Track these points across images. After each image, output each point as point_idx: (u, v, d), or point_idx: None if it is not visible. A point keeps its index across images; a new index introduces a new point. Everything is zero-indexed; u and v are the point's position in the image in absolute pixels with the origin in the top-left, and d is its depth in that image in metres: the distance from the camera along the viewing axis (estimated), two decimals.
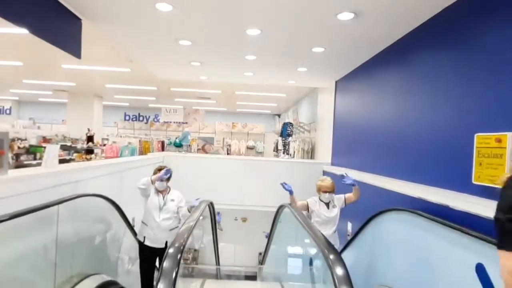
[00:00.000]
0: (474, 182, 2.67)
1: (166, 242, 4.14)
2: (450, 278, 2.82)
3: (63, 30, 3.81)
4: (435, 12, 3.51)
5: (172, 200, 4.26)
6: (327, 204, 4.21)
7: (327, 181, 4.24)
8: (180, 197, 4.37)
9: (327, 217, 4.13)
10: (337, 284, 1.78)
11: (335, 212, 4.18)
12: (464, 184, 2.81)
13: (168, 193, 4.34)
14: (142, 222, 4.29)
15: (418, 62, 3.94)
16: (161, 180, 4.28)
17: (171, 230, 4.25)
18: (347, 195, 4.30)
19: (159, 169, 4.38)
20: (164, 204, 4.21)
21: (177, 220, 4.28)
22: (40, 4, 3.40)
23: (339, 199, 4.28)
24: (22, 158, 7.78)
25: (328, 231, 4.03)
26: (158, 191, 4.28)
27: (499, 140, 2.44)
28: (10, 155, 6.91)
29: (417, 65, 3.97)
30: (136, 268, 4.44)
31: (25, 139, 9.21)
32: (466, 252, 2.67)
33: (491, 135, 2.51)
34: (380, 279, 3.59)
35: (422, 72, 3.84)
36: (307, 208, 4.25)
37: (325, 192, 4.19)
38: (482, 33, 2.89)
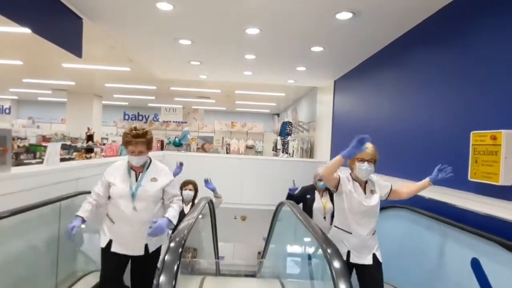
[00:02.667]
0: (470, 179, 2.71)
1: (147, 246, 2.76)
2: (447, 273, 2.87)
3: (64, 29, 3.84)
4: (432, 12, 3.56)
5: (154, 179, 2.79)
6: (364, 187, 2.88)
7: (369, 147, 2.83)
8: (167, 174, 2.89)
9: (363, 205, 2.78)
10: (335, 277, 1.81)
11: (374, 200, 2.83)
12: (460, 181, 2.85)
13: (146, 169, 2.81)
14: (107, 215, 2.81)
15: (416, 61, 3.99)
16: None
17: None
18: (397, 188, 3.00)
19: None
20: (139, 186, 2.73)
21: (162, 209, 2.85)
22: (42, 3, 3.44)
23: (383, 186, 2.96)
24: (22, 157, 7.80)
25: (362, 229, 2.78)
26: (131, 168, 2.82)
27: (494, 138, 2.48)
28: (10, 153, 6.92)
29: (414, 64, 4.01)
30: None
31: (25, 138, 9.24)
32: (462, 248, 2.72)
33: (486, 133, 2.55)
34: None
35: (419, 71, 3.89)
36: (337, 183, 2.84)
37: (362, 161, 2.81)
38: (478, 32, 2.93)
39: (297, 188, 4.45)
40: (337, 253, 1.99)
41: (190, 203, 4.45)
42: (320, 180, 4.22)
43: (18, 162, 7.39)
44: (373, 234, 2.85)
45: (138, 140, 2.69)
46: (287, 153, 10.80)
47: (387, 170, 4.48)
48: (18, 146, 8.05)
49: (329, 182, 2.84)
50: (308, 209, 4.23)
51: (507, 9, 2.62)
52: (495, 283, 2.36)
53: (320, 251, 2.40)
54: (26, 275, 2.88)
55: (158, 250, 2.89)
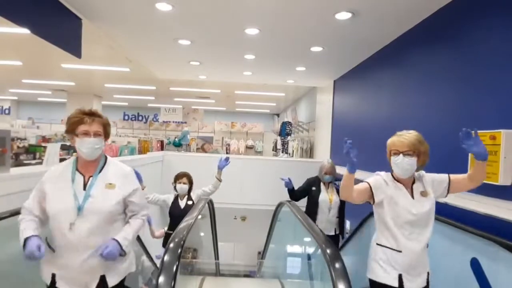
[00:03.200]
0: None
1: (104, 279, 1.99)
2: (447, 272, 2.86)
3: (63, 30, 3.84)
4: (431, 11, 3.56)
5: (111, 186, 2.02)
6: (411, 188, 2.24)
7: (406, 136, 2.24)
8: (130, 180, 2.12)
9: (411, 214, 2.16)
10: (334, 278, 1.81)
11: (427, 204, 2.19)
12: None
13: (99, 171, 2.06)
14: (46, 241, 2.02)
15: (415, 61, 3.99)
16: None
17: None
18: (456, 176, 2.28)
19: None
20: (88, 196, 1.96)
21: (122, 224, 2.10)
22: (41, 3, 3.44)
23: (437, 182, 2.28)
24: (21, 157, 7.77)
25: (414, 244, 2.16)
26: (76, 170, 2.04)
27: (493, 138, 2.48)
28: (9, 154, 6.92)
29: (413, 64, 4.01)
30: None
31: (25, 139, 9.21)
32: (462, 247, 2.72)
33: (485, 133, 2.55)
34: None
35: (418, 71, 3.88)
36: (370, 194, 2.25)
37: (396, 153, 2.21)
38: (477, 32, 2.93)
39: (290, 181, 4.33)
40: (337, 254, 1.99)
41: (186, 196, 4.39)
42: (326, 173, 4.24)
43: (18, 163, 7.37)
44: (427, 247, 2.23)
45: (93, 118, 2.04)
46: (287, 153, 10.79)
47: (387, 170, 4.47)
48: (18, 147, 8.00)
49: (358, 199, 2.25)
50: (313, 202, 4.22)
51: (506, 9, 2.61)
52: (495, 283, 2.36)
53: (319, 251, 2.40)
54: (25, 276, 2.87)
55: (122, 283, 2.11)
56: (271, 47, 5.20)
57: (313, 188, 4.29)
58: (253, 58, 5.84)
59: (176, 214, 4.15)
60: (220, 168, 4.56)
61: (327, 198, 4.21)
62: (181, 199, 4.35)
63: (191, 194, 4.42)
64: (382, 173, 2.35)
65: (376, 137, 4.98)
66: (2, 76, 9.98)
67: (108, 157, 2.15)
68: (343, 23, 4.00)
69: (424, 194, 2.22)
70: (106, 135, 2.09)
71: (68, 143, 10.30)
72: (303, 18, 3.99)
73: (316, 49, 5.13)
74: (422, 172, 2.31)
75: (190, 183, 4.46)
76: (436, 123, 3.45)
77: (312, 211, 4.20)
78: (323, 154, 7.70)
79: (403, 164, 2.17)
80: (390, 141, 2.31)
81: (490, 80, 2.74)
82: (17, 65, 7.78)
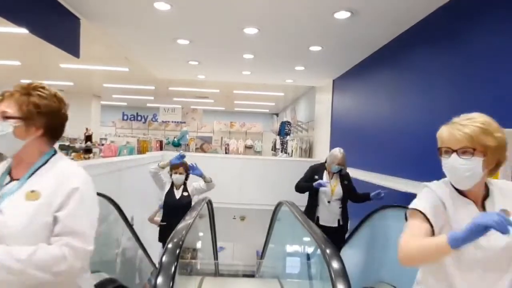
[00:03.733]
0: None
1: None
2: None
3: (62, 30, 3.84)
4: (429, 11, 3.56)
5: (32, 195, 1.25)
6: (481, 204, 1.40)
7: (463, 123, 1.44)
8: (66, 185, 1.28)
9: (482, 248, 1.28)
10: (333, 277, 1.81)
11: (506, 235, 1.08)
12: None
13: (31, 174, 1.32)
14: None
15: (414, 60, 3.99)
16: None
17: None
18: None
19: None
20: None
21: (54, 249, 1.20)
22: (39, 3, 3.43)
23: None
24: None
25: None
26: (9, 171, 1.37)
27: None
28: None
29: (412, 63, 4.01)
30: (134, 264, 4.46)
31: None
32: None
33: None
34: (378, 275, 3.62)
35: (417, 70, 3.88)
36: (428, 227, 1.33)
37: (448, 152, 1.40)
38: (476, 32, 2.93)
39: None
40: (335, 253, 1.99)
41: (182, 187, 4.27)
42: (338, 164, 3.94)
43: None
44: None
45: (8, 93, 1.39)
46: (286, 152, 10.80)
47: (386, 169, 4.47)
48: None
49: (416, 231, 1.38)
50: (314, 191, 4.02)
51: (503, 9, 2.61)
52: None
53: (319, 251, 2.40)
54: None
55: None
56: (270, 46, 5.19)
57: (316, 177, 4.06)
58: (252, 57, 5.83)
59: (171, 204, 4.13)
60: (198, 175, 4.29)
61: (328, 188, 3.99)
62: (176, 189, 4.24)
63: (187, 185, 4.29)
64: (434, 184, 1.48)
65: (375, 137, 4.98)
66: (0, 76, 9.96)
67: (57, 155, 1.40)
68: (342, 23, 3.99)
69: (507, 213, 1.22)
70: (26, 117, 1.31)
71: (66, 143, 10.31)
72: (302, 18, 3.98)
73: (315, 48, 5.13)
74: (497, 182, 1.48)
75: (187, 172, 4.27)
76: (435, 121, 3.44)
77: (313, 201, 4.08)
78: (322, 154, 7.69)
79: (457, 168, 1.35)
80: (438, 133, 1.52)
81: (488, 79, 2.74)
82: (16, 65, 7.76)
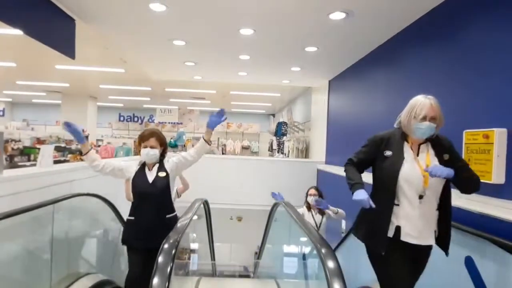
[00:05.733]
0: None
1: None
2: (441, 271, 2.88)
3: (57, 31, 3.83)
4: (424, 11, 3.58)
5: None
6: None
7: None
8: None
9: None
10: (329, 276, 1.81)
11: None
12: None
13: None
14: None
15: (409, 60, 4.01)
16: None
17: None
18: None
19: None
20: None
21: None
22: (34, 4, 3.42)
23: None
24: (16, 159, 7.75)
25: None
26: None
27: (486, 136, 2.50)
28: (4, 156, 6.89)
29: (407, 63, 4.03)
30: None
31: (19, 141, 9.17)
32: (456, 246, 2.73)
33: (479, 131, 2.57)
34: (374, 274, 3.64)
35: (412, 70, 3.91)
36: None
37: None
38: (470, 32, 2.95)
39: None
40: (331, 253, 2.00)
41: (156, 165, 2.99)
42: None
43: (13, 165, 7.34)
44: None
45: None
46: (282, 153, 10.81)
47: None
48: (13, 149, 7.98)
49: None
50: (389, 176, 2.14)
51: (499, 9, 2.64)
52: (489, 280, 2.38)
53: (315, 251, 2.40)
54: (20, 278, 2.86)
55: None
56: (266, 47, 5.20)
57: (386, 153, 2.20)
58: (248, 58, 5.84)
59: (141, 190, 2.88)
60: (210, 127, 3.30)
61: (416, 167, 2.07)
62: (149, 169, 2.98)
63: (164, 162, 3.05)
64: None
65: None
66: None
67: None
68: (337, 23, 4.01)
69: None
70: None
71: (63, 145, 10.26)
72: (298, 19, 4.00)
73: (311, 49, 5.14)
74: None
75: (162, 146, 3.06)
76: None
77: (383, 198, 2.14)
78: (318, 154, 7.72)
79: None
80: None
81: (483, 79, 2.77)
82: (11, 66, 7.73)
